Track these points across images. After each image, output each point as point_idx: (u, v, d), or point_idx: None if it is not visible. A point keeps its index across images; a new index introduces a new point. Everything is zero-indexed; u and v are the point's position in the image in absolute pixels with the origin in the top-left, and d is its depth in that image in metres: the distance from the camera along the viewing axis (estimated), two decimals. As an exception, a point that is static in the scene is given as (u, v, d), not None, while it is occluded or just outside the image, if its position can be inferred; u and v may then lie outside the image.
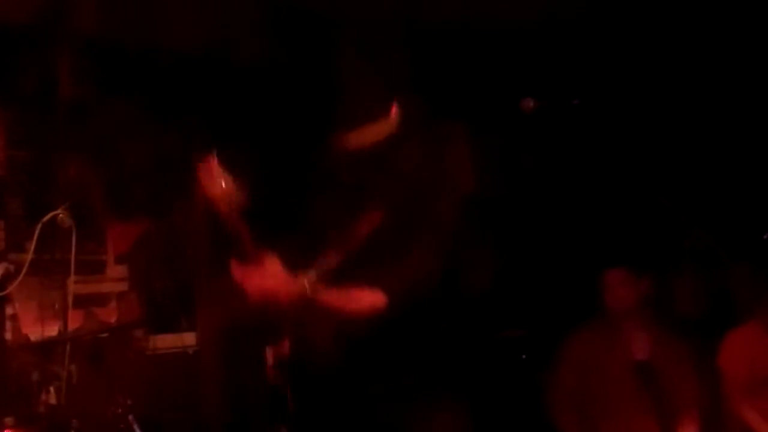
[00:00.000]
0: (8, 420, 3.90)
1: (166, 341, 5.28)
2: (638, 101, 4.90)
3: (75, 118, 4.97)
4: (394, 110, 3.03)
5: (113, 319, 5.13)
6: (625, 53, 4.93)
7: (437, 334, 3.13)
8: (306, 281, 2.84)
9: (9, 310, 4.72)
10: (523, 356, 5.31)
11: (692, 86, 4.93)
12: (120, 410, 4.22)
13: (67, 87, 4.97)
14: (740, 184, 4.94)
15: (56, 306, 4.63)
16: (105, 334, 4.70)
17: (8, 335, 4.69)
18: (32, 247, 4.30)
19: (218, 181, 3.00)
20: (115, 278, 5.20)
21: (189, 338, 5.38)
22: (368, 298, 2.85)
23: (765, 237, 4.69)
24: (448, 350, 3.15)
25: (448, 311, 3.11)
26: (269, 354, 3.21)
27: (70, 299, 4.42)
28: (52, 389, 4.25)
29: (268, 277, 2.83)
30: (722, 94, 4.91)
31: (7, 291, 4.48)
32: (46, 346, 4.47)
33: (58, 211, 4.23)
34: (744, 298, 4.58)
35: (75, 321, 4.71)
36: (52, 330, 4.69)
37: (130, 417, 4.21)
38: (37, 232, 4.26)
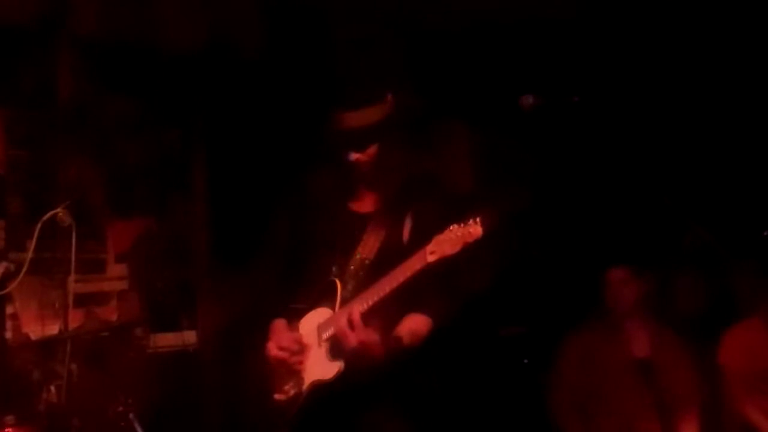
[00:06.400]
0: (9, 418, 3.89)
1: (166, 340, 5.28)
2: (638, 98, 4.90)
3: (75, 118, 4.97)
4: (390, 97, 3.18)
5: (114, 318, 5.13)
6: (625, 50, 4.93)
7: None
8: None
9: (9, 309, 4.72)
10: (525, 360, 5.30)
11: (692, 83, 4.93)
12: (121, 408, 4.23)
13: (67, 86, 4.97)
14: (740, 181, 4.93)
15: (56, 305, 4.63)
16: (105, 333, 4.69)
17: (9, 334, 4.69)
18: (32, 246, 4.30)
19: None
20: (115, 277, 5.20)
21: (190, 337, 5.38)
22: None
23: (766, 234, 4.69)
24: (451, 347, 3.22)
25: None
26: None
27: (70, 298, 4.42)
28: (52, 388, 4.25)
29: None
30: (722, 90, 4.90)
31: (8, 290, 4.47)
32: (47, 345, 4.47)
33: (58, 209, 4.23)
34: (744, 295, 4.58)
35: (75, 320, 4.70)
36: (53, 329, 4.69)
37: (131, 415, 4.21)
38: (37, 230, 4.25)
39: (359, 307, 2.98)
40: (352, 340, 2.94)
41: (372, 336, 2.98)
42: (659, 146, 4.92)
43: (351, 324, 2.94)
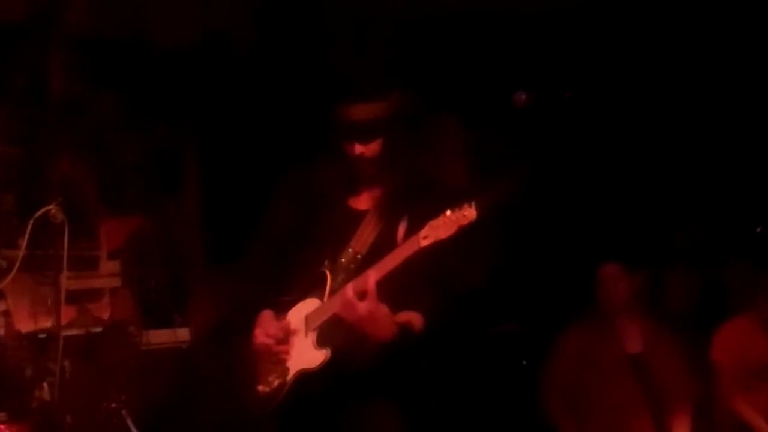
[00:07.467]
0: (1, 415, 3.89)
1: (159, 337, 5.28)
2: (631, 95, 4.90)
3: (67, 115, 4.97)
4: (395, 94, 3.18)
5: (106, 315, 5.14)
6: (617, 46, 4.93)
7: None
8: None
9: (2, 306, 4.72)
10: (524, 362, 5.31)
11: (684, 79, 4.94)
12: (114, 405, 4.23)
13: (59, 84, 4.96)
14: (732, 178, 4.95)
15: (49, 302, 4.62)
16: (98, 330, 4.69)
17: (1, 331, 4.69)
18: (24, 243, 4.28)
19: None
20: (108, 274, 5.21)
21: (182, 334, 5.38)
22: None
23: (757, 230, 4.71)
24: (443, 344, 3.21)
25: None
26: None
27: (62, 295, 4.41)
28: (45, 385, 4.25)
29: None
30: (713, 88, 4.91)
31: (0, 287, 4.47)
32: (40, 342, 4.47)
33: (51, 206, 4.21)
34: (736, 292, 4.59)
35: (68, 316, 4.70)
36: (45, 325, 4.68)
37: (124, 412, 4.21)
38: (29, 227, 4.23)
39: (374, 277, 2.93)
40: (361, 309, 2.89)
41: (383, 308, 2.95)
42: (651, 143, 4.94)
43: (364, 293, 2.91)
